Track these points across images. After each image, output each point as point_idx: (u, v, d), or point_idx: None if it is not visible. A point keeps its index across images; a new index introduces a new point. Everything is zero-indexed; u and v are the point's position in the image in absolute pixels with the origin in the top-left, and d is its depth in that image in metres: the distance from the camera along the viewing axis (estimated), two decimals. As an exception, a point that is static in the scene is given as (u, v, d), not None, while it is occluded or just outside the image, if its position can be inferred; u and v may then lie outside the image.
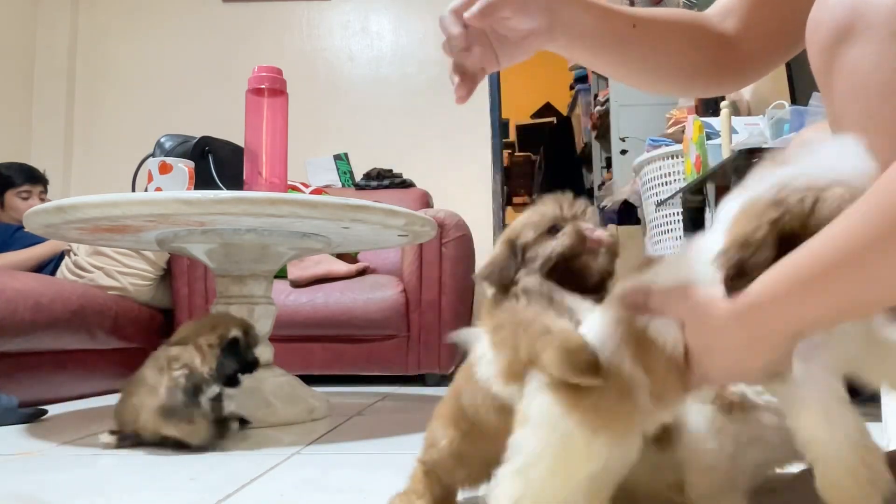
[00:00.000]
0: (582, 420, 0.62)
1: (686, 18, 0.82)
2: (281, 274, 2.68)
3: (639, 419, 0.64)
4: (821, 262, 0.51)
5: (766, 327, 0.56)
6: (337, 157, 3.71)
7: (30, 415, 1.77)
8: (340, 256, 2.82)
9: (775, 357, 0.58)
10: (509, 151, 6.06)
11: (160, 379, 1.34)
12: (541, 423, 0.63)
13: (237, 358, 1.41)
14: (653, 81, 0.84)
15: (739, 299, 0.56)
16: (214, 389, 1.36)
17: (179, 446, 1.33)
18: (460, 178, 3.65)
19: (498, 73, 3.76)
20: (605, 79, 4.04)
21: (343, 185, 3.62)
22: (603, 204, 3.97)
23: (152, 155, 1.80)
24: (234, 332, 1.42)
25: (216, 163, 1.78)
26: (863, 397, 2.16)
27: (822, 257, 0.51)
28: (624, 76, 0.83)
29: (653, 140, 2.72)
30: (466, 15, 0.70)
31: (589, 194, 4.77)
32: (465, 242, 2.74)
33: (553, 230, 0.78)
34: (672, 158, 2.63)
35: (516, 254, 0.78)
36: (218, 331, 1.42)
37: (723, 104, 2.02)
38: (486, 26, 0.73)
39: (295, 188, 2.83)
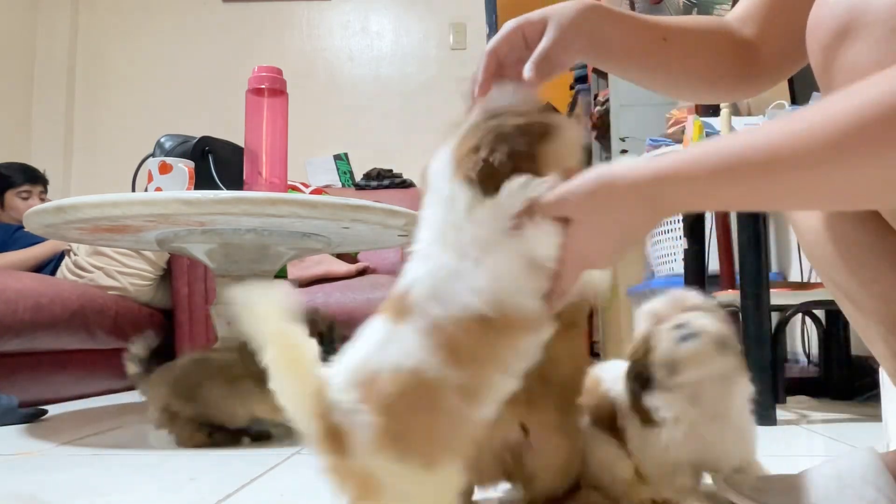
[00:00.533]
0: (423, 459, 0.57)
1: (713, 27, 0.83)
2: (281, 274, 2.68)
3: (461, 427, 0.60)
4: (734, 149, 0.54)
5: (666, 197, 0.58)
6: (337, 157, 3.71)
7: (30, 415, 1.77)
8: (340, 256, 2.82)
9: (652, 227, 0.62)
10: (509, 151, 6.06)
11: None
12: (393, 486, 0.58)
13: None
14: (676, 88, 0.85)
15: (646, 171, 0.58)
16: None
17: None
18: (460, 178, 3.65)
19: (498, 73, 3.76)
20: (606, 79, 4.04)
21: (343, 185, 3.62)
22: (603, 204, 3.96)
23: (152, 155, 1.80)
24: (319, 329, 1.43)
25: (216, 163, 1.78)
26: (862, 397, 2.15)
27: (734, 146, 0.55)
28: (647, 83, 0.85)
29: (653, 140, 2.72)
30: (526, 74, 0.72)
31: (589, 194, 4.77)
32: (465, 242, 2.74)
33: None
34: (672, 158, 2.63)
35: None
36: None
37: (723, 104, 2.02)
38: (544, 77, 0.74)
39: (295, 188, 2.83)
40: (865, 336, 0.79)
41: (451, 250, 0.62)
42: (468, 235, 0.61)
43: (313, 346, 0.60)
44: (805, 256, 0.84)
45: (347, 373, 0.59)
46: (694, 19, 0.83)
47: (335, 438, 0.57)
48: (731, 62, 0.82)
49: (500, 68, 0.75)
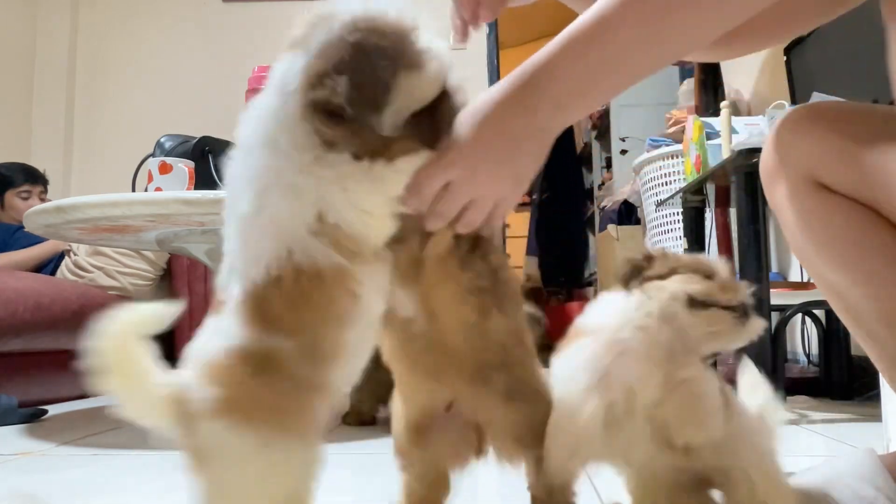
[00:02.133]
0: (260, 432, 0.54)
1: None
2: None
3: (315, 399, 0.57)
4: (579, 27, 0.60)
5: (543, 90, 0.60)
6: (337, 157, 3.72)
7: (30, 415, 1.77)
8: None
9: (548, 137, 0.62)
10: (509, 151, 6.05)
11: None
12: (220, 456, 0.54)
13: None
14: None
15: (515, 72, 0.61)
16: None
17: None
18: (460, 178, 3.65)
19: (498, 73, 3.76)
20: (605, 79, 4.04)
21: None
22: (603, 204, 3.97)
23: (152, 155, 1.80)
24: None
25: (216, 163, 1.78)
26: (862, 397, 2.15)
27: (578, 25, 0.60)
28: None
29: (653, 140, 2.72)
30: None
31: (589, 194, 4.77)
32: (465, 242, 2.74)
33: None
34: (672, 158, 2.63)
35: None
36: None
37: (723, 104, 2.02)
38: None
39: (295, 188, 2.83)
40: (858, 334, 0.79)
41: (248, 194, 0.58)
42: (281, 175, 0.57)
43: (148, 355, 0.57)
44: (795, 255, 0.84)
45: (189, 358, 0.57)
46: None
47: (186, 420, 0.55)
48: None
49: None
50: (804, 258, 0.81)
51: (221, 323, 0.57)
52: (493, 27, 3.78)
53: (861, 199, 0.73)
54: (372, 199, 0.58)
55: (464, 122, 0.61)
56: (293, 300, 0.56)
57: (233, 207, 0.59)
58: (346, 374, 0.60)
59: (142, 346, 0.56)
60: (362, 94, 0.56)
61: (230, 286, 0.57)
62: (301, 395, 0.56)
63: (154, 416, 0.56)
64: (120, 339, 0.55)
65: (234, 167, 0.60)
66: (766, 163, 0.81)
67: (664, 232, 2.78)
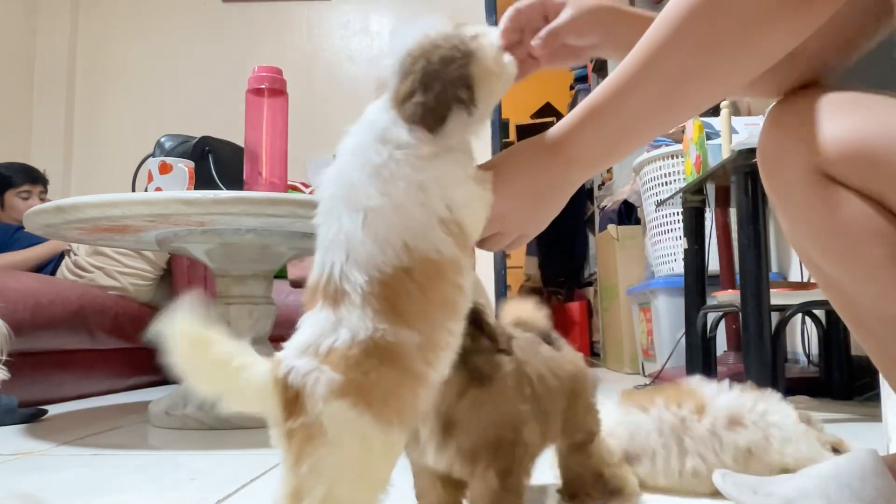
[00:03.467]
0: (377, 415, 0.57)
1: None
2: (281, 274, 2.68)
3: (422, 389, 0.60)
4: (600, 97, 0.67)
5: (567, 153, 0.68)
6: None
7: (30, 415, 1.77)
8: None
9: (570, 189, 0.70)
10: (509, 151, 6.06)
11: None
12: (337, 434, 0.56)
13: None
14: None
15: (544, 134, 0.69)
16: None
17: None
18: (460, 178, 3.65)
19: (498, 73, 3.76)
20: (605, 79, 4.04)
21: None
22: (603, 204, 3.97)
23: (152, 155, 1.80)
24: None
25: (216, 163, 1.78)
26: (862, 397, 2.15)
27: (599, 94, 0.67)
28: None
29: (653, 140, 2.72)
30: (533, 43, 0.77)
31: (589, 194, 4.77)
32: (465, 242, 2.74)
33: None
34: (672, 158, 2.63)
35: None
36: None
37: (723, 104, 2.02)
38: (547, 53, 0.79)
39: (295, 188, 2.83)
40: (857, 332, 0.78)
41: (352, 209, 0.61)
42: (404, 177, 0.61)
43: (229, 340, 0.58)
44: (794, 248, 0.82)
45: (297, 350, 0.58)
46: None
47: (292, 402, 0.56)
48: None
49: (520, 33, 0.79)
50: (803, 252, 0.79)
51: (336, 314, 0.59)
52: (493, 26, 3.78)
53: (868, 193, 0.70)
54: (474, 198, 0.66)
55: (498, 177, 0.68)
56: (421, 291, 0.59)
57: (348, 201, 0.61)
58: (446, 366, 0.62)
59: (222, 337, 0.57)
60: (448, 92, 0.64)
61: (343, 280, 0.59)
62: (414, 384, 0.59)
63: (256, 402, 0.58)
64: (197, 332, 0.56)
65: (344, 165, 0.64)
66: (764, 147, 0.78)
67: (664, 232, 2.78)
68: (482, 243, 0.70)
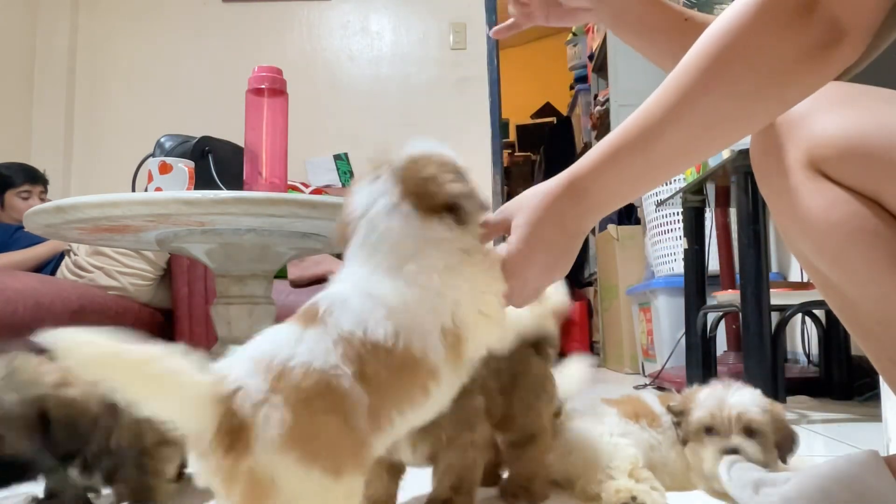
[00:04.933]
0: (327, 468, 0.54)
1: None
2: (281, 274, 2.68)
3: (362, 448, 0.58)
4: (622, 140, 0.67)
5: (588, 200, 0.69)
6: (337, 157, 3.71)
7: (30, 415, 1.76)
8: (340, 256, 2.82)
9: (588, 229, 0.71)
10: (509, 151, 6.06)
11: None
12: (294, 491, 0.54)
13: None
14: None
15: (563, 176, 0.70)
16: None
17: None
18: (460, 178, 3.65)
19: (498, 73, 3.76)
20: (605, 79, 4.04)
21: (343, 185, 3.62)
22: (603, 204, 3.96)
23: (152, 155, 1.79)
24: None
25: (216, 163, 1.78)
26: (862, 397, 2.15)
27: (620, 137, 0.67)
28: (668, 65, 0.85)
29: (653, 140, 2.72)
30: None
31: (589, 194, 4.76)
32: (465, 242, 2.73)
33: None
34: (672, 158, 2.63)
35: None
36: None
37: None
38: None
39: (295, 188, 2.83)
40: (855, 333, 0.78)
41: (382, 272, 0.64)
42: (419, 260, 0.65)
43: (171, 354, 0.54)
44: (790, 249, 0.82)
45: (251, 361, 0.55)
46: None
47: (235, 434, 0.53)
48: None
49: None
50: (799, 252, 0.79)
51: (308, 335, 0.58)
52: (493, 27, 3.77)
53: (863, 191, 0.69)
54: (489, 298, 0.70)
55: (516, 226, 0.71)
56: (390, 371, 0.60)
57: (371, 257, 0.66)
58: (383, 442, 0.63)
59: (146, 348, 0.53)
60: (475, 195, 0.72)
61: (328, 314, 0.60)
62: (355, 440, 0.58)
63: (192, 409, 0.54)
64: (114, 349, 0.52)
65: (382, 231, 0.68)
66: (757, 145, 0.79)
67: (664, 232, 2.78)
68: (505, 300, 0.72)
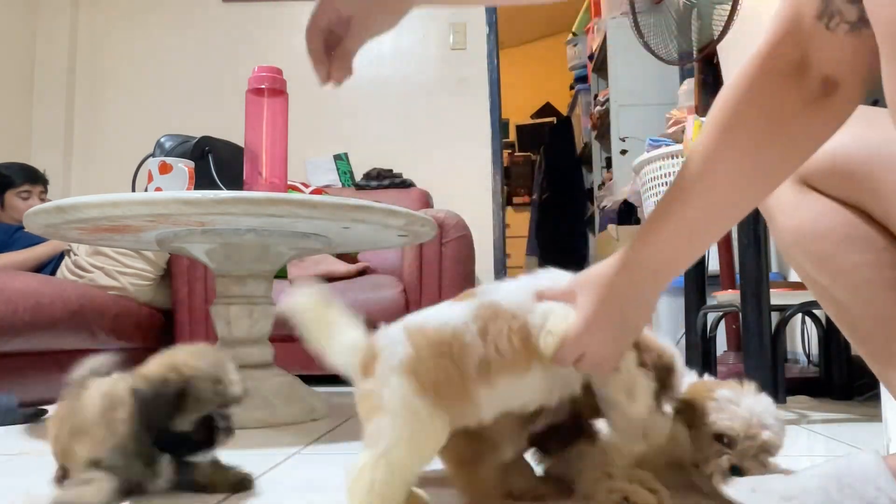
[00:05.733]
0: (430, 399, 0.70)
1: None
2: (281, 274, 2.68)
3: (473, 391, 0.72)
4: (658, 206, 0.72)
5: (640, 268, 0.72)
6: (337, 157, 3.71)
7: (30, 415, 1.77)
8: (340, 256, 2.82)
9: (653, 300, 0.75)
10: (509, 151, 6.06)
11: None
12: (396, 408, 0.70)
13: None
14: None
15: (618, 252, 0.73)
16: None
17: None
18: (460, 178, 3.65)
19: (498, 73, 3.76)
20: (605, 79, 4.04)
21: (343, 185, 3.62)
22: (603, 204, 3.97)
23: (152, 155, 1.80)
24: None
25: (216, 163, 1.78)
26: (862, 397, 2.15)
27: (659, 203, 0.72)
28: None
29: (653, 140, 2.72)
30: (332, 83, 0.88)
31: (589, 194, 4.77)
32: (465, 242, 2.74)
33: None
34: (672, 158, 2.63)
35: None
36: None
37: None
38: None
39: (295, 188, 2.83)
40: (851, 337, 0.79)
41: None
42: None
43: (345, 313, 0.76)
44: (786, 260, 0.85)
45: (402, 323, 0.75)
46: None
47: (369, 363, 0.72)
48: None
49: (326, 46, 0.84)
50: (794, 260, 0.82)
51: (455, 306, 0.76)
52: (493, 27, 3.78)
53: (848, 202, 0.76)
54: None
55: (581, 302, 0.74)
56: (508, 336, 0.74)
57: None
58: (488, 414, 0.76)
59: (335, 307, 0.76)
60: None
61: (493, 295, 0.77)
62: (464, 382, 0.72)
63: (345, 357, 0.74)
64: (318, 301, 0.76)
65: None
66: None
67: (664, 232, 2.78)
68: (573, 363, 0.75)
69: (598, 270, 0.75)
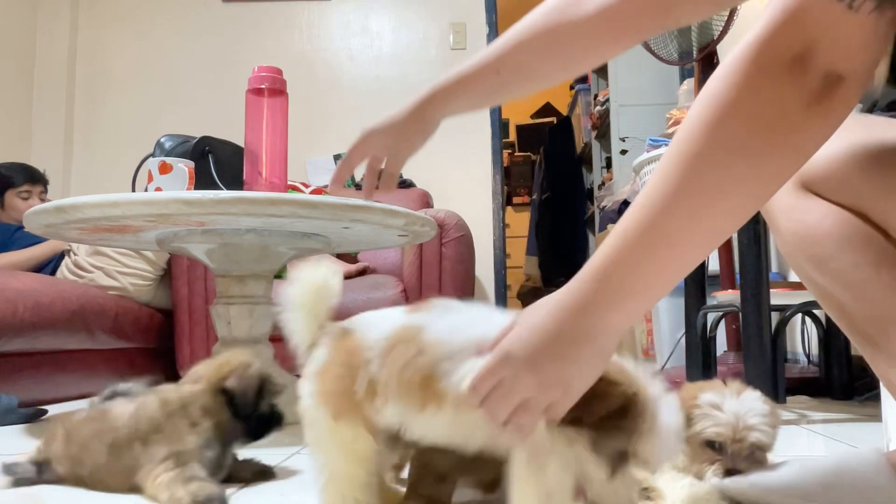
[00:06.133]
0: (328, 410, 0.71)
1: (539, 27, 0.81)
2: (281, 274, 2.67)
3: (362, 408, 0.71)
4: (627, 218, 0.61)
5: (576, 323, 0.60)
6: (337, 158, 3.71)
7: (30, 415, 1.77)
8: (340, 256, 2.82)
9: (597, 352, 0.61)
10: (509, 151, 6.06)
11: None
12: (309, 420, 0.73)
13: None
14: (539, 86, 0.88)
15: (550, 301, 0.63)
16: None
17: None
18: (460, 178, 3.65)
19: (498, 73, 3.75)
20: (605, 79, 4.04)
21: (343, 186, 3.61)
22: (603, 204, 3.97)
23: (152, 155, 1.79)
24: None
25: (216, 163, 1.78)
26: (862, 397, 2.15)
27: (626, 216, 0.61)
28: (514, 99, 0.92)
29: (653, 140, 2.72)
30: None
31: (589, 194, 4.77)
32: (465, 242, 2.74)
33: None
34: (672, 158, 2.63)
35: None
36: None
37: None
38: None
39: (295, 188, 2.83)
40: (853, 337, 0.79)
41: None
42: None
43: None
44: (786, 260, 0.84)
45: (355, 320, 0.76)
46: (526, 26, 0.83)
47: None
48: (574, 42, 0.81)
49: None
50: (794, 261, 0.82)
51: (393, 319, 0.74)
52: (493, 27, 3.78)
53: (850, 207, 0.75)
54: None
55: (522, 319, 0.64)
56: (405, 364, 0.71)
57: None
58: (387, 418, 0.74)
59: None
60: None
61: (435, 320, 0.73)
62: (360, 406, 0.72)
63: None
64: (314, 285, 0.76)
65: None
66: None
67: (664, 232, 2.78)
68: (505, 424, 0.62)
69: (547, 300, 0.64)
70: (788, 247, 0.81)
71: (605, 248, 0.61)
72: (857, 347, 0.80)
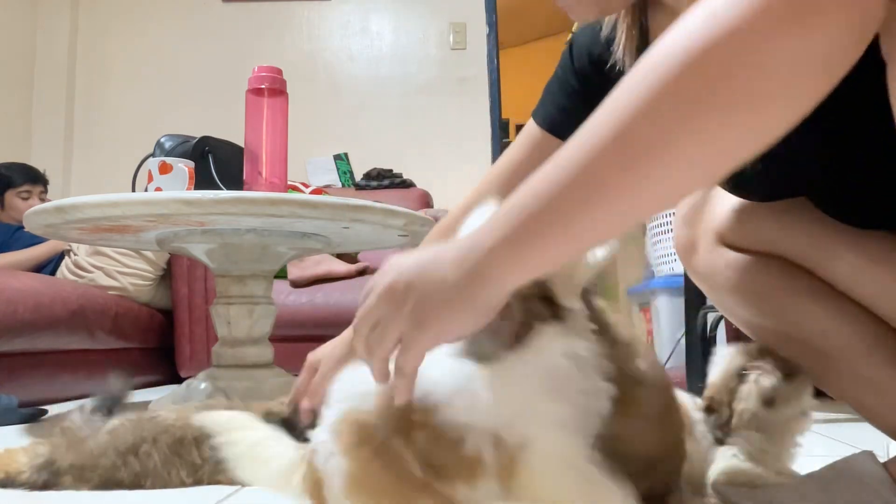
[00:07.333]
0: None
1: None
2: (281, 274, 2.68)
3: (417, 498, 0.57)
4: (519, 210, 0.51)
5: (481, 270, 0.52)
6: (337, 157, 3.71)
7: (30, 415, 1.77)
8: (340, 256, 2.82)
9: (488, 302, 0.53)
10: (509, 151, 6.05)
11: None
12: None
13: None
14: None
15: (457, 245, 0.54)
16: None
17: None
18: (460, 178, 3.64)
19: (498, 73, 3.76)
20: (605, 79, 4.04)
21: (343, 185, 3.62)
22: (603, 204, 3.97)
23: (152, 155, 1.79)
24: None
25: (216, 163, 1.78)
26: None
27: (518, 207, 0.51)
28: None
29: (653, 140, 2.72)
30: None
31: (589, 194, 4.76)
32: (465, 242, 2.73)
33: None
34: (672, 158, 2.63)
35: None
36: None
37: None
38: None
39: (295, 188, 2.83)
40: (822, 375, 0.91)
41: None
42: None
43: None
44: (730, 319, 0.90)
45: (328, 423, 0.60)
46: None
47: (316, 492, 0.59)
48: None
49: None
50: (739, 319, 0.87)
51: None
52: (493, 27, 3.78)
53: (765, 251, 0.80)
54: None
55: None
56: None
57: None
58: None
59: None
60: None
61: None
62: (409, 491, 0.57)
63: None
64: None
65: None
66: (679, 239, 0.88)
67: (664, 232, 2.78)
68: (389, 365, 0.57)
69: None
70: (725, 303, 0.86)
71: (527, 190, 0.51)
72: (824, 386, 0.91)
